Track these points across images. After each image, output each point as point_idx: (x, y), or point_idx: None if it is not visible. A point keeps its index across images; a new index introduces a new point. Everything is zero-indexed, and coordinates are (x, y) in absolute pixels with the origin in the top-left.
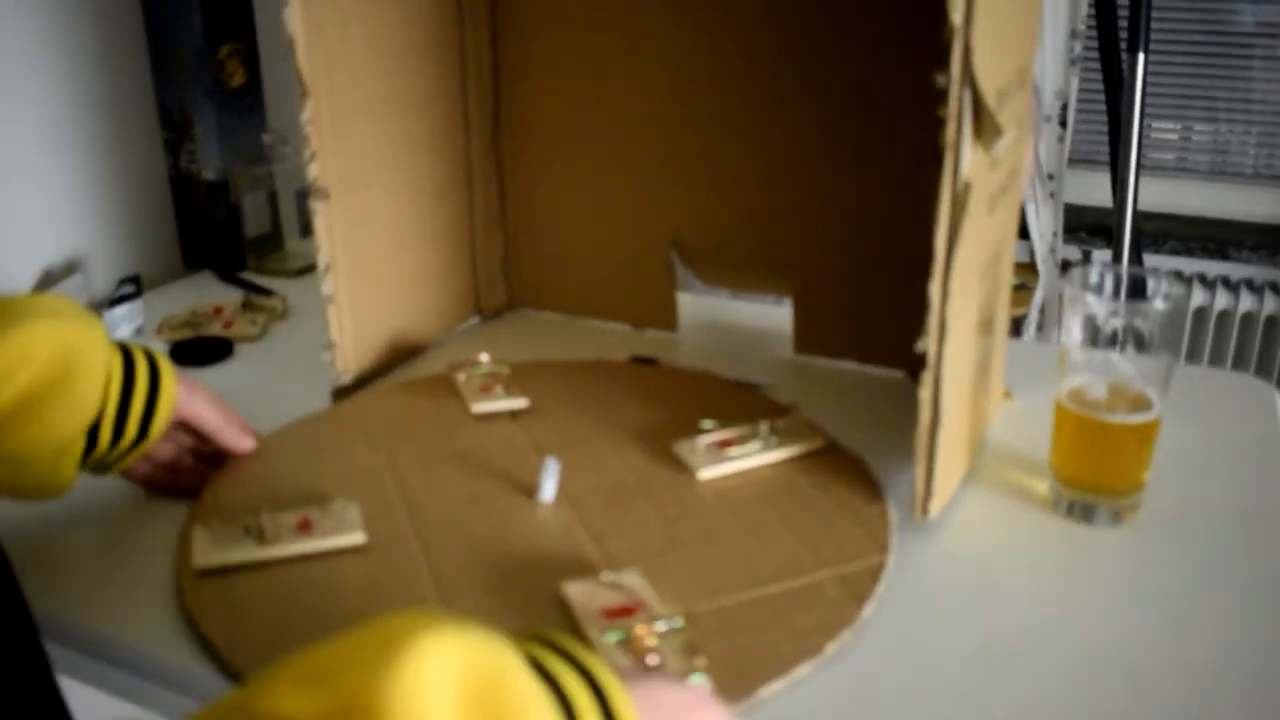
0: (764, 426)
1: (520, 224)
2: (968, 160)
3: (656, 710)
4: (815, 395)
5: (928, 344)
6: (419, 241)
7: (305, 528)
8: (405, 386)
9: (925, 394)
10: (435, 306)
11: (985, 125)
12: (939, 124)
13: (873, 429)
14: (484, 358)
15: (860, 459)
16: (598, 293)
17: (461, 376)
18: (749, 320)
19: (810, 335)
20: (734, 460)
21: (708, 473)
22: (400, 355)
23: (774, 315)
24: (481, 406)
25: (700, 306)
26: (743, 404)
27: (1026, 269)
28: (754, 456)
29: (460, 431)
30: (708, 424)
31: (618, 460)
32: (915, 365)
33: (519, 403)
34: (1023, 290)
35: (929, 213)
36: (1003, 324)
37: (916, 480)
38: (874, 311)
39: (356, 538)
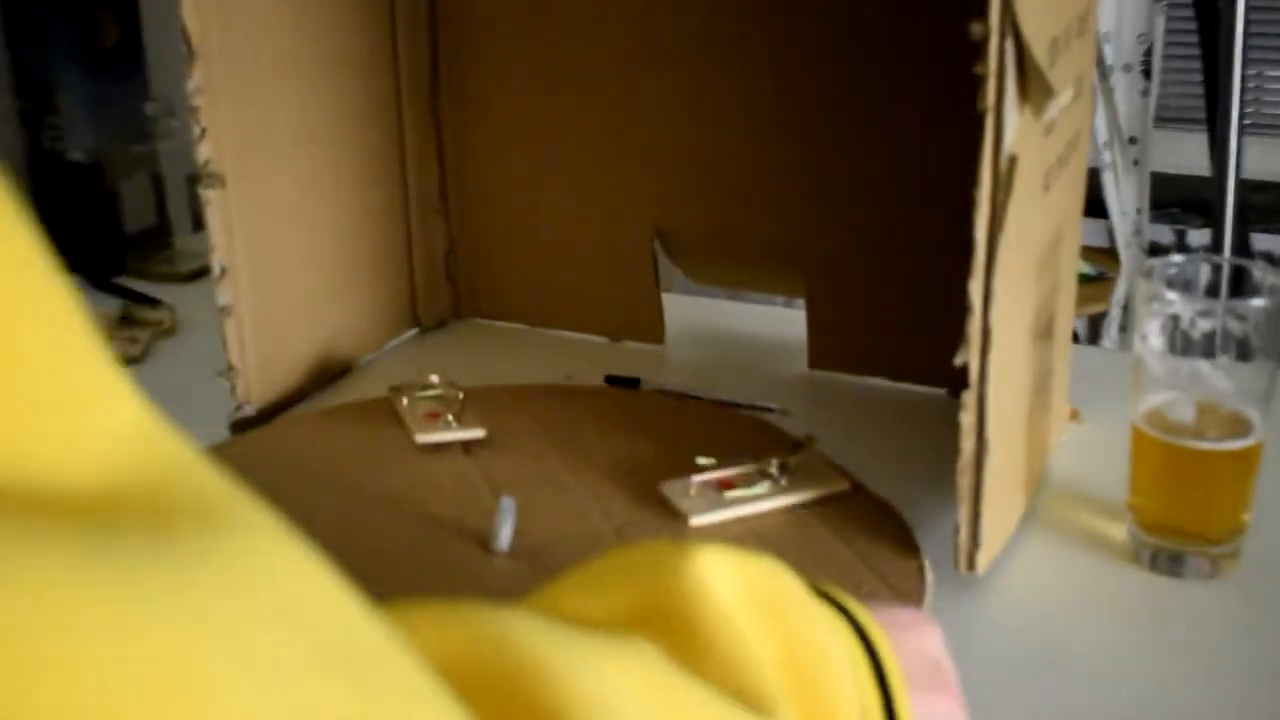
0: (773, 464)
1: (467, 213)
2: (1012, 128)
3: (891, 629)
4: (835, 422)
5: (969, 356)
6: (340, 237)
7: None
8: (328, 413)
9: (967, 418)
10: (361, 317)
11: (1033, 84)
12: (977, 84)
13: (906, 462)
14: (433, 379)
15: (889, 502)
16: (564, 298)
17: (405, 401)
18: (752, 328)
19: (829, 346)
20: (735, 505)
21: (702, 519)
22: (318, 379)
23: (783, 322)
24: (428, 436)
25: (692, 312)
26: (746, 435)
27: (1105, 255)
28: (760, 501)
29: (400, 466)
30: (704, 460)
31: (592, 502)
32: (957, 382)
33: (474, 433)
34: (1101, 282)
35: (971, 193)
36: (1065, 327)
37: (960, 527)
38: (907, 316)
39: None
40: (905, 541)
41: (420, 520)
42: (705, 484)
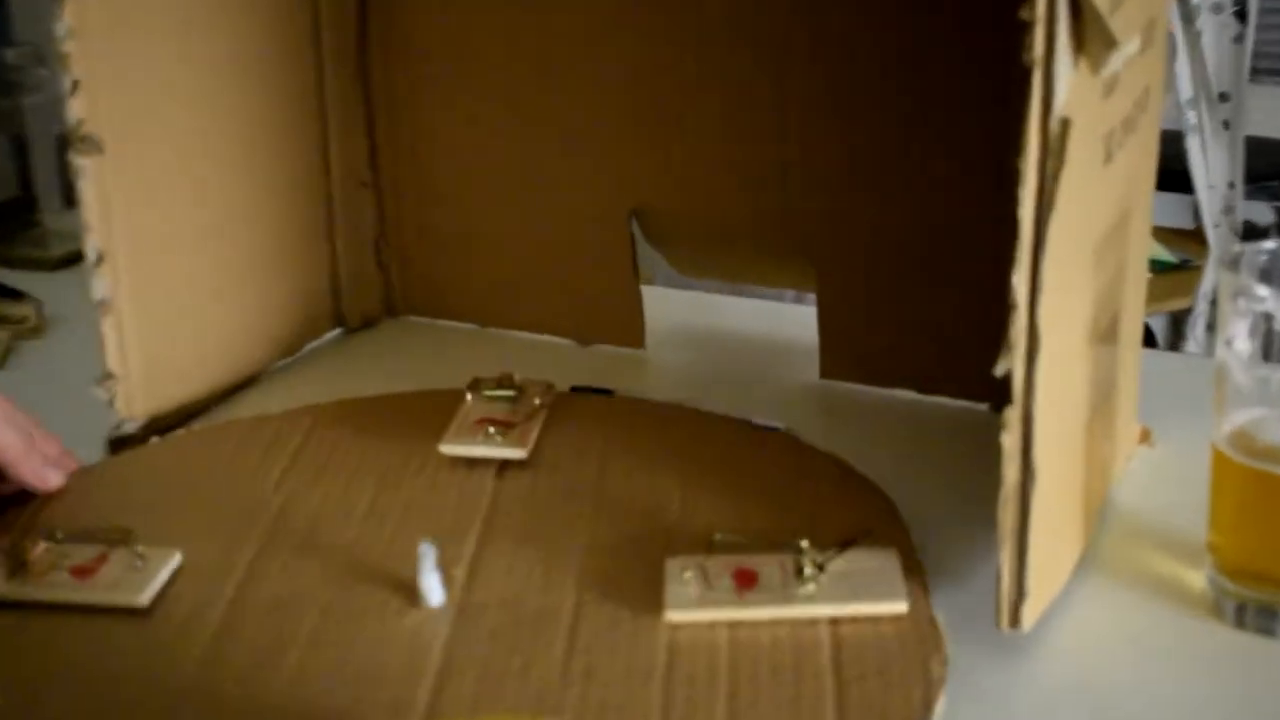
0: (813, 559)
1: (402, 189)
2: (1065, 85)
3: None
4: (852, 444)
5: (1012, 363)
6: (244, 216)
7: (83, 573)
8: (227, 430)
9: (1010, 440)
10: (271, 315)
11: (1091, 30)
12: (1021, 33)
13: (937, 494)
14: (515, 378)
15: (908, 544)
16: (522, 292)
17: (469, 398)
18: (751, 330)
19: (845, 352)
20: (743, 606)
21: (682, 615)
22: (217, 390)
23: (789, 321)
24: (457, 447)
25: (678, 310)
26: (756, 459)
27: (1189, 238)
28: (777, 605)
29: (415, 475)
30: (722, 537)
31: (572, 562)
32: (999, 396)
33: (514, 452)
34: (1184, 272)
35: (1014, 165)
36: (1134, 327)
37: (1001, 573)
38: (938, 315)
39: (134, 597)
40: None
41: (379, 545)
42: (719, 569)
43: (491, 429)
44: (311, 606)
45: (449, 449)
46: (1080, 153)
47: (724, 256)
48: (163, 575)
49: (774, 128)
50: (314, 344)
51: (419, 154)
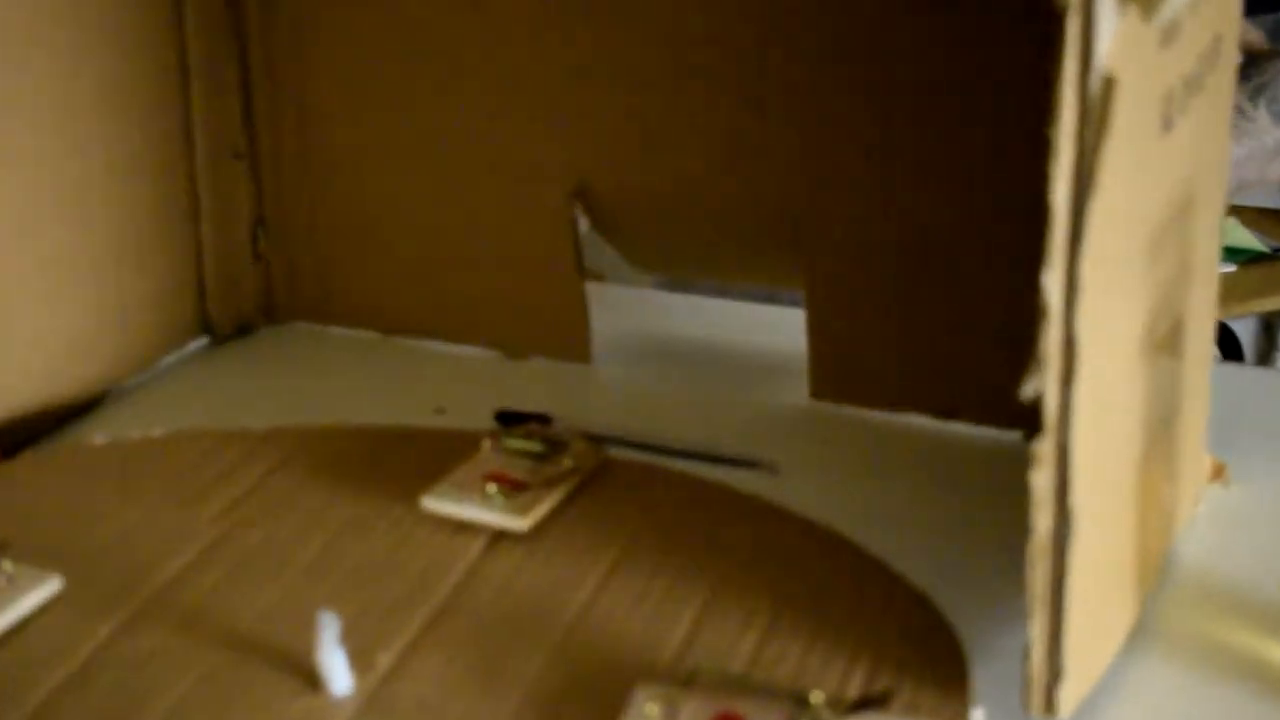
0: (818, 708)
1: (286, 162)
2: (1109, 34)
3: None
4: (847, 481)
5: (1043, 383)
6: (80, 197)
7: None
8: (65, 460)
9: (1041, 478)
10: (115, 322)
11: None
12: None
13: (953, 544)
14: (554, 421)
15: (936, 611)
16: (438, 293)
17: (487, 444)
18: (723, 339)
19: (840, 367)
20: None
21: None
22: (47, 414)
23: (771, 329)
24: (442, 504)
25: (632, 315)
26: (819, 572)
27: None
28: None
29: (385, 530)
30: (707, 665)
31: (521, 665)
32: (1030, 423)
33: (513, 522)
34: (1272, 264)
35: (1046, 136)
36: (1203, 337)
37: (1031, 647)
38: (954, 323)
39: None
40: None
41: (253, 621)
42: (697, 708)
43: (494, 488)
44: (189, 670)
45: (432, 504)
46: (1129, 118)
47: (689, 247)
48: (28, 601)
49: (754, 85)
50: (171, 357)
51: (307, 118)
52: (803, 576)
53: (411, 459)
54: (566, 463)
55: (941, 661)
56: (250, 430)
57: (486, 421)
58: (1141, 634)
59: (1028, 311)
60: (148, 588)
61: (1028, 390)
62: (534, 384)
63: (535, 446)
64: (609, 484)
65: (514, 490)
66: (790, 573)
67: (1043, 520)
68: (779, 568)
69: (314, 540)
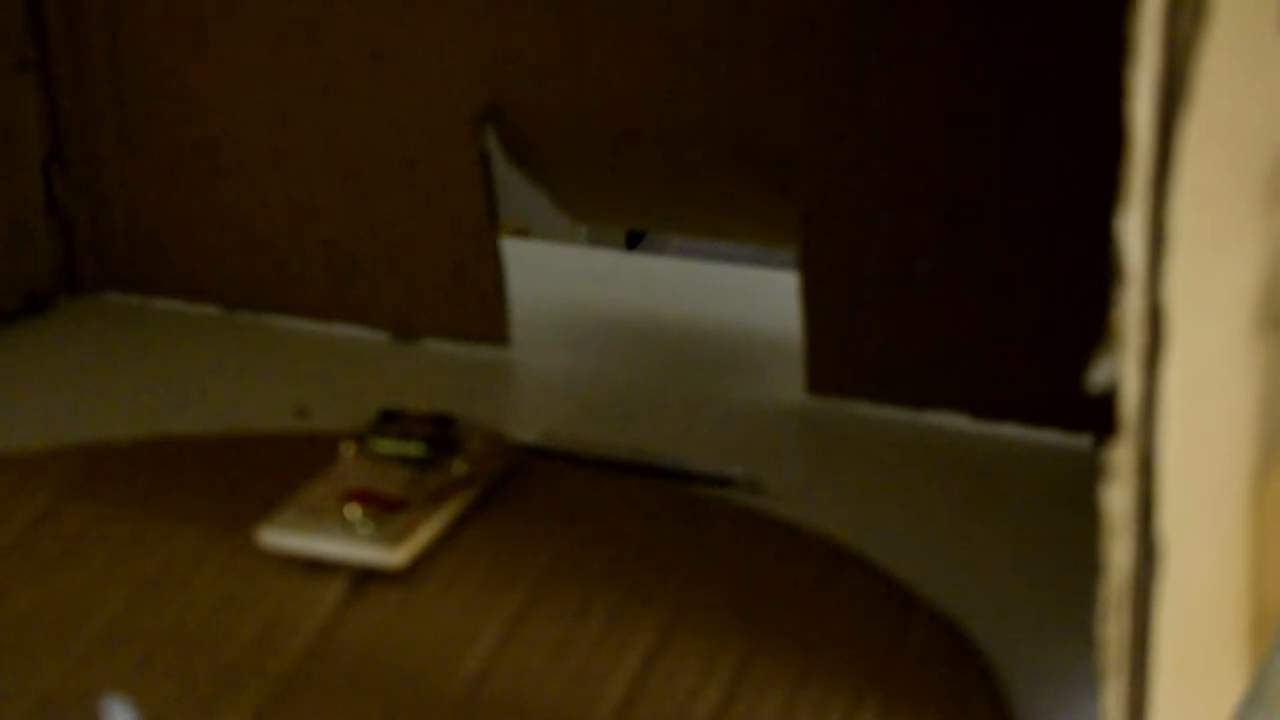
0: None
1: (94, 74)
2: None
3: None
4: (853, 499)
5: (1118, 368)
6: None
7: None
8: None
9: (1118, 497)
10: None
11: None
12: None
13: (997, 579)
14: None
15: (963, 635)
16: (300, 251)
17: (352, 452)
18: (689, 312)
19: (846, 352)
20: None
21: None
22: None
23: (755, 298)
24: (285, 537)
25: (568, 279)
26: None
27: None
28: None
29: (213, 576)
30: None
31: None
32: (1100, 424)
33: (381, 555)
34: None
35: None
36: None
37: (1105, 717)
38: (1003, 289)
39: None
40: None
41: (24, 712)
42: None
43: (358, 510)
44: None
45: (273, 538)
46: (1238, 8)
47: (639, 187)
48: None
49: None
50: None
51: (124, 15)
52: (788, 596)
53: (247, 478)
54: (459, 469)
55: (973, 698)
56: (24, 450)
57: (365, 425)
58: (1255, 708)
59: (1097, 272)
60: None
61: (1098, 377)
62: (431, 375)
63: (414, 450)
64: (519, 495)
65: (385, 512)
66: (771, 592)
67: (1119, 554)
68: (754, 587)
69: (111, 598)
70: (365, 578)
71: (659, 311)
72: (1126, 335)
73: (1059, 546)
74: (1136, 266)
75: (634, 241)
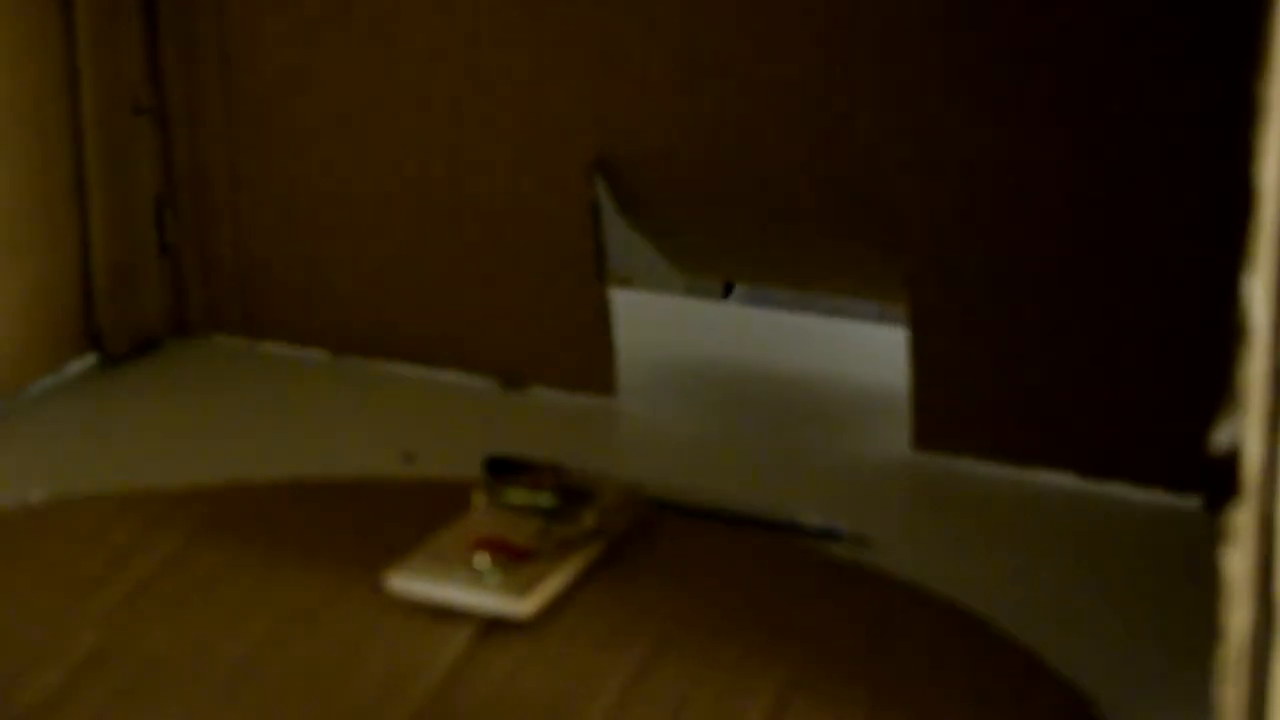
0: None
1: (208, 121)
2: None
3: None
4: (964, 559)
5: (1241, 430)
6: None
7: None
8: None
9: (1236, 561)
10: None
11: None
12: None
13: (1108, 644)
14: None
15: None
16: (407, 298)
17: (484, 501)
18: (796, 366)
19: (953, 407)
20: None
21: None
22: None
23: (861, 353)
24: (412, 583)
25: (673, 330)
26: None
27: None
28: None
29: (340, 619)
30: None
31: None
32: (1220, 485)
33: (508, 605)
34: None
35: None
36: None
37: None
38: (1112, 348)
39: None
40: None
41: None
42: None
43: (486, 559)
44: None
45: (401, 584)
46: None
47: (746, 240)
48: None
49: (834, 19)
50: (48, 382)
51: (238, 63)
52: (911, 662)
53: (374, 523)
54: (588, 521)
55: None
56: (156, 490)
57: (472, 472)
58: None
59: (1219, 333)
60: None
61: (1221, 439)
62: (537, 423)
63: (546, 500)
64: (645, 551)
65: (513, 562)
66: (893, 654)
67: (1238, 617)
68: (877, 651)
69: (240, 639)
70: (491, 627)
71: (762, 364)
72: (1250, 396)
73: (1167, 607)
74: (1261, 326)
75: (726, 292)
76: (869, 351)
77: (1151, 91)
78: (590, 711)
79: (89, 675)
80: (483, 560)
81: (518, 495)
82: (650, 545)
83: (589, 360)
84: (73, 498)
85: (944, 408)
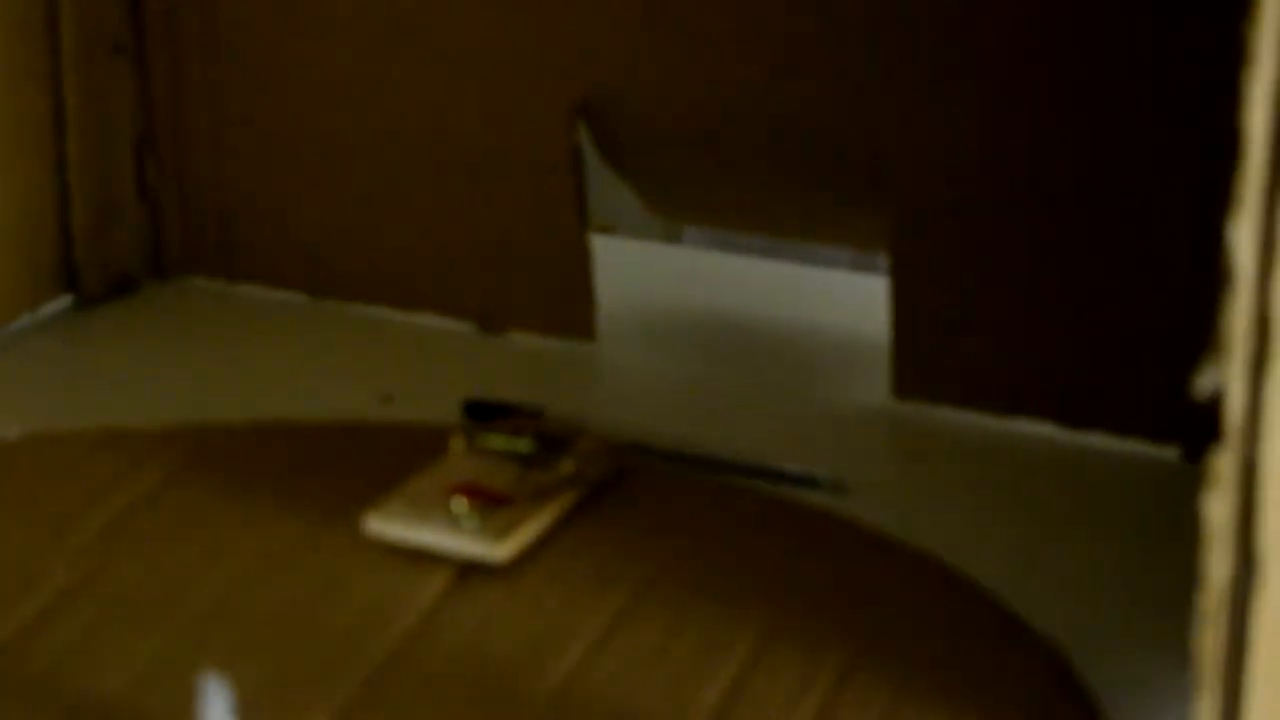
0: None
1: (188, 60)
2: None
3: None
4: (940, 507)
5: (1224, 376)
6: None
7: None
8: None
9: (1217, 507)
10: None
11: None
12: None
13: (1084, 594)
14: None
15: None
16: (385, 240)
17: (460, 443)
18: (775, 313)
19: (934, 356)
20: None
21: None
22: None
23: (842, 301)
24: (390, 526)
25: (654, 276)
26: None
27: None
28: None
29: (316, 561)
30: None
31: None
32: (1201, 433)
33: (484, 550)
34: None
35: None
36: None
37: None
38: (1094, 295)
39: None
40: None
41: (116, 689)
42: None
43: (464, 504)
44: None
45: (378, 526)
46: None
47: (729, 187)
48: None
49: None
50: (24, 322)
51: (218, 5)
52: (887, 614)
53: (352, 465)
54: (566, 468)
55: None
56: (133, 429)
57: (450, 414)
58: None
59: (1202, 279)
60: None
61: (1204, 384)
62: (516, 367)
63: (524, 446)
64: (624, 498)
65: (491, 506)
66: (871, 607)
67: (1219, 565)
68: (854, 600)
69: (214, 576)
70: (467, 571)
71: (742, 311)
72: (1234, 342)
73: (1146, 556)
74: (1246, 271)
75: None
76: (849, 300)
77: (1138, 38)
78: (564, 657)
79: (63, 610)
80: (460, 505)
81: (496, 440)
82: (628, 492)
83: (569, 305)
84: (50, 434)
85: (923, 356)
